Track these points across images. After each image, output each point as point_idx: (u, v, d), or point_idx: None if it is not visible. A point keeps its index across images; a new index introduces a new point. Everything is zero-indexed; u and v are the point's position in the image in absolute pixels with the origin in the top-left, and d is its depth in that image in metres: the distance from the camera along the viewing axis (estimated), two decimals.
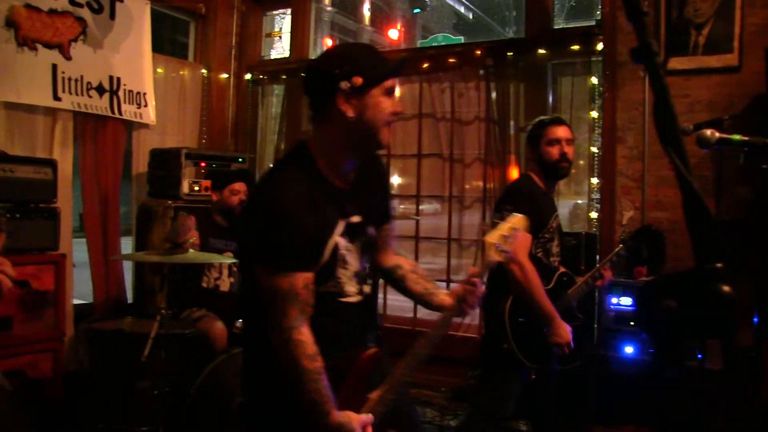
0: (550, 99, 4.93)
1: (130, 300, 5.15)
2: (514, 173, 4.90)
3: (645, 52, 1.01)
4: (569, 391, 3.33)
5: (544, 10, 4.90)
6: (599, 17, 4.64)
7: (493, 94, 5.06)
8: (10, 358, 3.69)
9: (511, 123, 4.97)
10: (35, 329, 3.88)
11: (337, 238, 1.86)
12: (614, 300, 3.88)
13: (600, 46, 4.54)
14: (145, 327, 3.31)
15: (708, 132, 1.57)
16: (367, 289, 1.97)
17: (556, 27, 4.93)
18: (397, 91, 1.89)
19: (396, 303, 5.89)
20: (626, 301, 3.85)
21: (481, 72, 5.17)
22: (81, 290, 5.02)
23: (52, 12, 4.53)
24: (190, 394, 3.21)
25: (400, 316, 5.67)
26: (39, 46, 4.44)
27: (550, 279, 3.11)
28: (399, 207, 5.91)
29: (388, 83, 1.83)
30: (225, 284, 4.03)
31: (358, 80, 1.77)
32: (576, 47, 4.68)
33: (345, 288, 1.90)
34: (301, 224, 1.76)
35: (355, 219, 1.91)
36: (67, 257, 4.18)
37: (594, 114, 4.59)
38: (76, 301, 4.78)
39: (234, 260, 3.52)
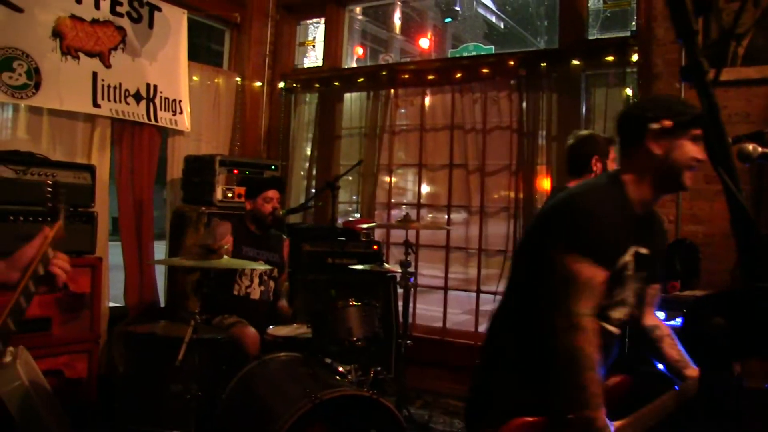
0: (584, 110, 4.90)
1: (162, 304, 5.22)
2: (544, 184, 4.89)
3: (695, 70, 1.02)
4: None
5: (578, 21, 4.88)
6: (634, 28, 4.62)
7: (525, 105, 5.05)
8: (49, 358, 3.76)
9: (543, 134, 4.96)
10: (72, 330, 3.95)
11: (628, 258, 1.96)
12: None
13: (635, 58, 4.51)
14: (178, 331, 3.35)
15: (750, 146, 1.58)
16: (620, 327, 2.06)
17: (590, 38, 4.90)
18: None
19: (425, 313, 5.89)
20: (659, 315, 3.79)
21: (513, 82, 5.17)
22: (112, 293, 5.10)
23: (95, 22, 4.64)
24: (222, 398, 3.23)
25: (430, 326, 5.67)
26: (81, 55, 4.55)
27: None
28: (427, 216, 5.92)
29: (695, 131, 1.93)
30: (256, 293, 4.07)
31: (668, 123, 1.91)
32: (610, 58, 4.65)
33: (611, 312, 2.00)
34: (613, 226, 1.88)
35: (644, 250, 2.03)
36: (103, 260, 4.25)
37: None
38: (110, 304, 4.86)
39: (266, 267, 3.55)
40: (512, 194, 5.15)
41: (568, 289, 1.82)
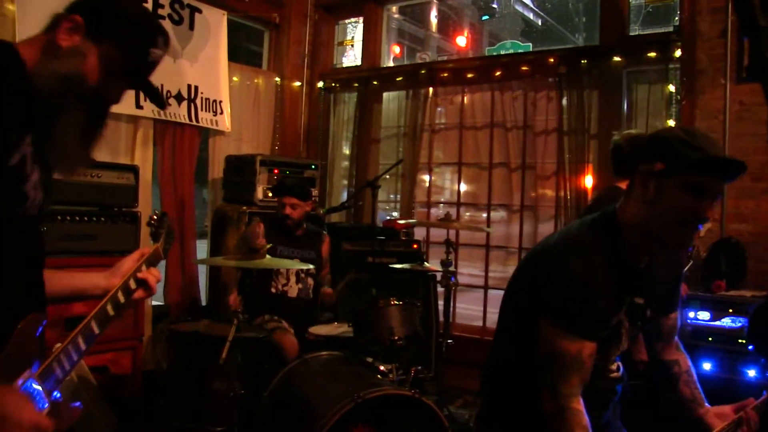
0: (625, 107, 4.83)
1: (203, 302, 5.28)
2: (587, 182, 4.83)
3: (761, 68, 0.99)
4: (641, 403, 3.24)
5: (619, 17, 4.81)
6: (677, 23, 4.53)
7: (565, 102, 5.00)
8: (95, 354, 3.84)
9: (584, 131, 4.90)
10: (117, 328, 4.01)
11: (622, 316, 1.84)
12: (691, 314, 3.76)
13: (678, 53, 4.43)
14: (221, 330, 3.39)
15: None
16: (619, 370, 1.99)
17: (631, 34, 4.83)
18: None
19: (465, 311, 5.87)
20: (704, 315, 3.72)
21: (550, 80, 5.14)
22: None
23: None
24: (264, 397, 3.26)
25: (469, 324, 5.65)
26: None
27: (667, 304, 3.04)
28: (465, 215, 5.90)
29: (694, 179, 1.67)
30: (293, 290, 4.10)
31: (659, 166, 1.69)
32: (652, 54, 4.58)
33: (609, 365, 1.92)
34: (601, 294, 1.73)
35: (639, 300, 1.88)
36: None
37: (671, 123, 4.48)
38: (153, 303, 4.93)
39: (306, 266, 3.57)
40: (553, 192, 5.11)
41: (554, 365, 1.72)
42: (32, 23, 4.11)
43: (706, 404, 2.02)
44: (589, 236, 1.83)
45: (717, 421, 1.94)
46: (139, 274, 1.68)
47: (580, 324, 1.72)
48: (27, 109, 1.35)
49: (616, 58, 4.74)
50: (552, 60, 5.05)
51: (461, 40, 15.77)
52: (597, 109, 4.90)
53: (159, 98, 1.66)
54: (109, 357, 3.96)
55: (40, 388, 1.37)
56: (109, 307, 1.60)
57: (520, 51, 7.01)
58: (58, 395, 1.44)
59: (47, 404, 1.38)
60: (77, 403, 1.50)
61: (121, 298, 1.64)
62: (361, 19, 6.28)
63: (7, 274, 1.37)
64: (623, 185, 3.06)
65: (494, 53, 7.30)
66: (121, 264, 1.71)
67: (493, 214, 5.60)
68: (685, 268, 3.09)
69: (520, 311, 1.92)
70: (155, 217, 1.89)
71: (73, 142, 1.43)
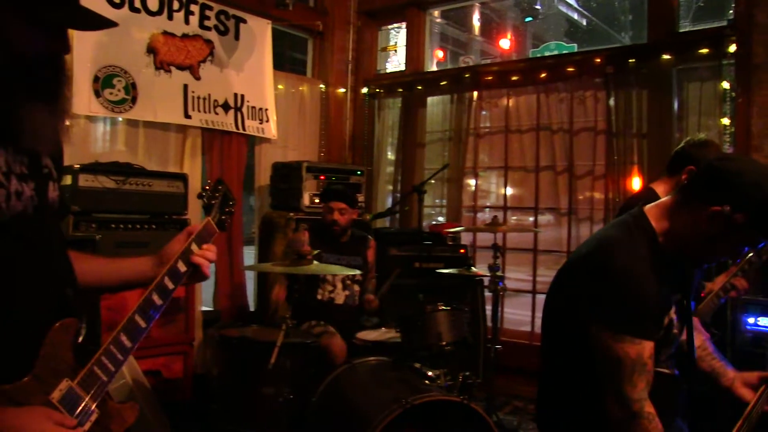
0: (675, 106, 4.73)
1: (251, 308, 5.35)
2: (635, 183, 4.75)
3: None
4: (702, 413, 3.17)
5: (668, 13, 4.71)
6: (731, 17, 4.42)
7: (613, 103, 4.92)
8: (149, 359, 3.91)
9: (633, 132, 4.82)
10: (169, 333, 4.10)
11: (672, 315, 1.83)
12: (750, 320, 3.65)
13: (732, 48, 4.31)
14: (269, 335, 3.42)
15: None
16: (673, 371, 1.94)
17: (681, 30, 4.73)
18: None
19: (512, 317, 5.82)
20: (765, 321, 3.61)
21: (596, 80, 5.07)
22: (203, 297, 5.23)
23: (185, 36, 4.82)
24: (312, 402, 3.28)
25: (517, 330, 5.60)
26: (173, 69, 4.73)
27: (698, 298, 2.98)
28: (511, 219, 5.85)
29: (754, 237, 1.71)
30: (340, 297, 4.12)
31: (740, 217, 1.65)
32: (704, 51, 4.46)
33: (661, 367, 1.87)
34: (653, 292, 1.71)
35: (680, 296, 1.87)
36: None
37: (725, 121, 4.37)
38: (203, 308, 5.01)
39: (352, 271, 3.58)
40: (602, 195, 5.03)
41: (618, 373, 1.67)
42: (89, 42, 4.24)
43: (729, 369, 2.01)
44: (628, 237, 1.81)
45: (745, 391, 1.95)
46: (192, 257, 1.61)
47: (638, 324, 1.69)
48: None
49: (666, 56, 4.63)
50: (599, 60, 4.97)
51: (504, 43, 15.66)
52: (646, 108, 4.80)
53: (99, 19, 1.40)
54: (161, 361, 4.03)
55: (83, 395, 1.34)
56: (155, 297, 1.54)
57: (565, 52, 6.93)
58: (110, 399, 1.43)
59: (94, 410, 1.36)
60: (132, 403, 1.49)
61: (169, 285, 1.57)
62: (403, 24, 6.29)
63: (7, 285, 1.29)
64: (659, 188, 3.01)
65: (538, 55, 7.23)
66: (169, 247, 1.63)
67: (539, 217, 5.54)
68: (744, 262, 3.02)
69: (566, 323, 1.88)
70: (208, 186, 1.79)
71: (39, 116, 1.32)
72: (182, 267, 1.60)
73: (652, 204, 1.87)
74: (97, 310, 3.46)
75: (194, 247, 1.63)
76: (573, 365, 1.85)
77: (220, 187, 1.80)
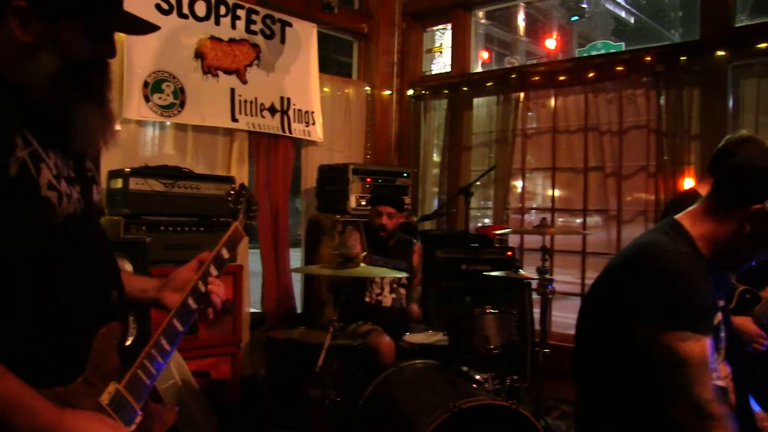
0: (731, 104, 4.59)
1: (298, 310, 5.37)
2: (688, 185, 4.63)
3: None
4: None
5: (723, 8, 4.57)
6: None
7: (664, 102, 4.81)
8: (197, 360, 3.95)
9: (685, 132, 4.70)
10: (217, 334, 4.14)
11: (720, 316, 1.80)
12: None
13: None
14: (316, 337, 3.43)
15: None
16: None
17: (737, 25, 4.59)
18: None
19: (559, 320, 5.73)
20: None
21: (644, 79, 4.96)
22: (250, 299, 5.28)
23: (232, 41, 4.87)
24: (359, 404, 3.27)
25: (564, 333, 5.51)
26: (220, 73, 4.79)
27: (730, 298, 2.90)
28: (558, 221, 5.77)
29: None
30: (387, 300, 4.11)
31: None
32: (762, 45, 4.33)
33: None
34: (708, 288, 1.69)
35: (722, 303, 1.85)
36: (243, 268, 4.43)
37: None
38: (250, 310, 5.06)
39: (399, 274, 3.57)
40: (652, 197, 4.92)
41: (684, 375, 1.59)
42: (139, 48, 4.33)
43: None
44: (672, 240, 1.78)
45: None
46: (209, 287, 1.63)
47: (698, 320, 1.63)
48: (7, 115, 1.24)
49: (720, 53, 4.51)
50: (648, 58, 4.87)
51: (550, 43, 15.50)
52: (699, 107, 4.68)
53: (145, 24, 1.45)
54: (209, 362, 4.07)
55: (129, 399, 1.35)
56: (190, 301, 1.57)
57: (612, 51, 6.81)
58: (151, 401, 1.44)
59: (139, 413, 1.37)
60: (172, 405, 1.50)
61: (202, 288, 1.61)
62: (449, 26, 6.26)
63: (61, 287, 1.31)
64: (703, 189, 2.92)
65: (585, 54, 7.13)
66: (178, 273, 1.66)
67: (588, 219, 5.45)
68: None
69: (612, 329, 1.82)
70: (232, 191, 1.81)
71: (89, 119, 1.35)
72: (214, 271, 1.66)
73: (682, 214, 1.85)
74: (147, 310, 3.51)
75: (213, 270, 1.66)
76: (619, 373, 1.80)
77: (244, 192, 1.83)
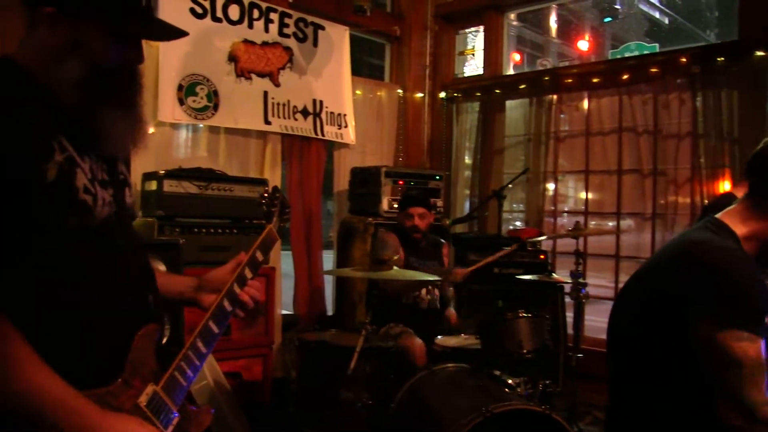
0: None
1: (330, 312, 5.39)
2: (725, 188, 4.54)
3: None
4: None
5: (763, 7, 4.46)
6: None
7: (700, 104, 4.73)
8: (229, 361, 3.98)
9: (722, 134, 4.61)
10: (249, 336, 4.17)
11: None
12: None
13: None
14: (348, 339, 3.43)
15: None
16: None
17: None
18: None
19: (592, 324, 5.66)
20: None
21: (679, 81, 4.88)
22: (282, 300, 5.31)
23: (265, 44, 4.91)
24: (391, 407, 3.26)
25: (596, 337, 5.44)
26: (253, 76, 4.82)
27: None
28: (590, 224, 5.70)
29: None
30: (424, 301, 4.10)
31: None
32: None
33: None
34: (761, 286, 1.65)
35: None
36: (276, 270, 4.46)
37: None
38: (282, 312, 5.08)
39: (437, 278, 3.55)
40: (688, 199, 4.84)
41: (738, 376, 1.54)
42: (174, 52, 4.38)
43: None
44: (719, 238, 1.74)
45: None
46: (242, 292, 1.64)
47: (753, 319, 1.58)
48: (45, 121, 1.26)
49: (759, 53, 4.40)
50: (684, 60, 4.79)
51: (583, 44, 15.38)
52: (737, 109, 4.58)
53: (173, 29, 1.46)
54: (241, 364, 4.10)
55: (166, 400, 1.37)
56: (225, 303, 1.59)
57: (646, 52, 6.73)
58: (194, 406, 1.46)
59: (176, 414, 1.39)
60: (208, 407, 1.52)
61: (237, 290, 1.63)
62: (481, 28, 6.23)
63: (100, 290, 1.33)
64: (740, 192, 2.85)
65: (618, 56, 7.06)
66: (213, 273, 1.69)
67: (621, 222, 5.38)
68: None
69: (654, 331, 1.78)
70: (266, 194, 1.82)
71: (119, 123, 1.37)
72: (249, 273, 1.67)
73: (723, 213, 1.81)
74: (180, 312, 3.55)
75: (248, 272, 1.68)
76: (665, 373, 1.76)
77: (277, 195, 1.84)
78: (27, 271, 1.22)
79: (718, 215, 1.81)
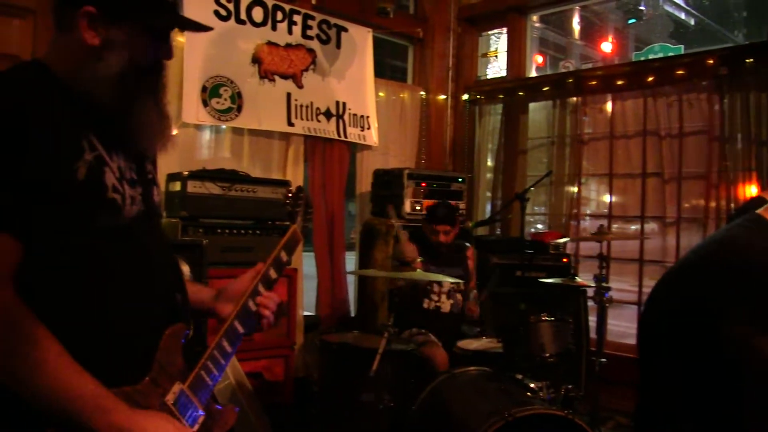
0: None
1: (351, 314, 5.39)
2: (752, 192, 4.49)
3: None
4: None
5: None
6: None
7: (727, 107, 4.67)
8: (251, 361, 4.00)
9: (749, 137, 4.55)
10: (271, 336, 4.17)
11: None
12: None
13: None
14: (370, 341, 3.44)
15: None
16: None
17: None
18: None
19: (614, 328, 5.63)
20: None
21: (704, 83, 4.83)
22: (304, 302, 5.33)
23: (288, 46, 4.93)
24: (413, 410, 3.26)
25: (619, 342, 5.40)
26: (276, 78, 4.85)
27: None
28: (613, 226, 5.66)
29: None
30: (445, 306, 4.11)
31: None
32: None
33: None
34: None
35: None
36: (298, 271, 4.47)
37: None
38: (304, 312, 5.09)
39: (457, 281, 3.55)
40: (713, 203, 4.78)
41: None
42: (198, 54, 4.41)
43: None
44: (759, 237, 1.68)
45: None
46: (259, 299, 1.65)
47: None
48: (75, 120, 1.29)
49: None
50: (711, 61, 4.73)
51: (606, 46, 15.23)
52: (765, 112, 4.51)
53: (199, 24, 1.52)
54: (263, 364, 4.11)
55: (193, 399, 1.38)
56: (250, 303, 1.61)
57: (671, 54, 6.66)
58: (219, 406, 1.46)
59: (202, 413, 1.40)
60: (233, 406, 1.52)
61: (262, 291, 1.64)
62: (504, 30, 6.20)
63: (130, 288, 1.34)
64: None
65: (642, 57, 6.98)
66: (233, 284, 1.68)
67: (645, 226, 5.33)
68: None
69: (692, 334, 1.75)
70: (290, 194, 1.83)
71: (150, 118, 1.41)
72: (273, 274, 1.68)
73: (763, 208, 1.73)
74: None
75: (272, 273, 1.69)
76: (700, 379, 1.72)
77: (301, 195, 1.85)
78: (58, 269, 1.24)
79: (759, 210, 1.73)
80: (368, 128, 5.45)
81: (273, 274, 1.68)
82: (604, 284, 3.88)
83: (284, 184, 4.44)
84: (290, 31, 4.96)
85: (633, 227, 5.42)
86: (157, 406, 1.30)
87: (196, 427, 1.38)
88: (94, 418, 1.17)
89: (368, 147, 5.57)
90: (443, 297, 4.10)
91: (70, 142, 1.26)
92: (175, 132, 4.24)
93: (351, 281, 5.48)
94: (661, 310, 1.88)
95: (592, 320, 4.17)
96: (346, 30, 5.33)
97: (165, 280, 1.46)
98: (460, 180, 5.41)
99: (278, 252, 1.71)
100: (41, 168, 1.20)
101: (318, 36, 5.15)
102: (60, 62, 1.34)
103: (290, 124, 4.93)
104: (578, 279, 3.95)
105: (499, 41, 6.41)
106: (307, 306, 5.34)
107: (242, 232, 4.08)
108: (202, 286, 1.78)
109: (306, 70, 5.06)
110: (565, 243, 4.96)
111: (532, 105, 5.92)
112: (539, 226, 6.05)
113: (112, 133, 1.35)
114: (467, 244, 4.43)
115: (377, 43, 5.69)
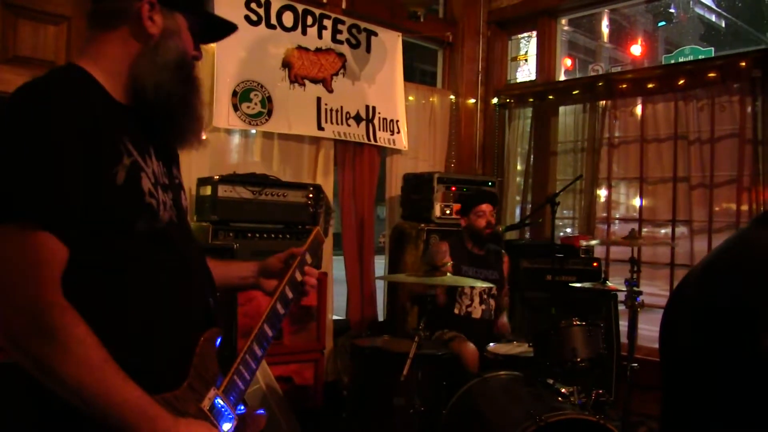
0: None
1: (381, 318, 5.40)
2: None
3: None
4: None
5: None
6: None
7: (761, 110, 4.60)
8: (281, 365, 4.02)
9: None
10: (301, 341, 4.21)
11: None
12: None
13: None
14: (400, 346, 3.44)
15: None
16: None
17: None
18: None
19: (645, 333, 5.55)
20: None
21: (736, 85, 4.76)
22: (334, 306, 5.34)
23: (318, 50, 4.96)
24: (443, 414, 3.26)
25: (650, 347, 5.33)
26: (307, 82, 4.88)
27: None
28: (643, 230, 5.60)
29: None
30: (477, 311, 4.09)
31: None
32: None
33: None
34: None
35: None
36: (327, 275, 4.48)
37: None
38: (334, 317, 5.11)
39: (486, 285, 3.53)
40: (745, 207, 4.71)
41: None
42: (229, 59, 4.46)
43: None
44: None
45: None
46: (301, 277, 1.68)
47: None
48: (114, 124, 1.29)
49: None
50: (743, 64, 4.66)
51: (636, 49, 15.08)
52: None
53: (228, 24, 1.56)
54: (293, 368, 4.14)
55: (226, 404, 1.38)
56: (278, 306, 1.61)
57: (702, 57, 6.57)
58: (243, 408, 1.46)
59: (234, 418, 1.40)
60: (262, 411, 1.52)
61: (289, 294, 1.65)
62: (534, 34, 6.18)
63: (168, 294, 1.35)
64: None
65: (672, 60, 6.90)
66: (272, 259, 1.72)
67: (675, 230, 5.27)
68: None
69: (720, 341, 1.71)
70: (311, 196, 1.87)
71: (187, 117, 1.43)
72: (298, 276, 1.70)
73: None
74: (234, 316, 3.59)
75: (308, 257, 1.73)
76: (729, 390, 1.68)
77: (322, 196, 1.88)
78: (102, 275, 1.25)
79: None
80: (398, 132, 5.46)
81: (298, 276, 1.69)
82: (635, 288, 3.84)
83: (315, 188, 4.45)
84: (320, 36, 5.00)
85: (663, 231, 5.35)
86: (194, 412, 1.31)
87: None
88: (139, 425, 1.18)
89: (398, 151, 5.58)
90: (475, 301, 4.08)
91: (110, 146, 1.26)
92: (204, 137, 4.29)
93: (380, 285, 5.48)
94: (687, 312, 1.83)
95: (623, 325, 4.12)
96: (375, 34, 5.36)
97: (199, 285, 1.47)
98: (489, 184, 5.39)
99: (303, 254, 1.72)
100: (85, 172, 1.21)
101: (348, 40, 5.18)
102: (101, 62, 1.35)
103: (320, 128, 4.96)
104: (609, 283, 3.91)
105: (528, 44, 6.38)
106: (336, 310, 5.35)
107: (272, 236, 4.11)
108: (241, 262, 1.79)
109: (336, 74, 5.09)
110: (594, 246, 4.92)
111: (561, 108, 5.88)
112: (568, 230, 6.00)
113: (145, 137, 1.36)
114: (503, 251, 4.41)
115: (407, 47, 5.70)
